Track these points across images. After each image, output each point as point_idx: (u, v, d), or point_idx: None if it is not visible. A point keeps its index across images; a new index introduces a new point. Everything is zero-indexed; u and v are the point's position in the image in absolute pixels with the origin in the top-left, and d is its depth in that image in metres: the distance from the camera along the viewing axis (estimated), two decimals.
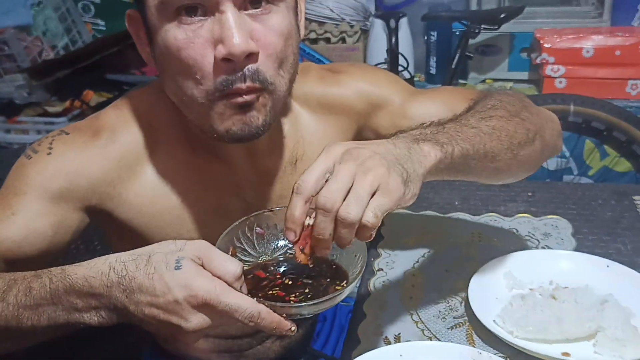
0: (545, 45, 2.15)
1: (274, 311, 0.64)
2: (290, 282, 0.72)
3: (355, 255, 0.71)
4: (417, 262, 1.07)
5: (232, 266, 0.63)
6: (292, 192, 0.64)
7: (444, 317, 0.93)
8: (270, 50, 0.75)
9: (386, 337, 0.89)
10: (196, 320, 0.62)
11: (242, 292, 0.64)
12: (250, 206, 0.90)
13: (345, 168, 0.63)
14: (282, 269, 0.74)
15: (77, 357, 1.03)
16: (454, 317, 0.93)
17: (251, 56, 0.73)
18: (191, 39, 0.73)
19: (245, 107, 0.76)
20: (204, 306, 0.61)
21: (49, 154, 0.82)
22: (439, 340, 0.88)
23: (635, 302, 0.90)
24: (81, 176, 0.82)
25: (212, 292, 0.61)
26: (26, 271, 0.75)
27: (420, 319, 0.93)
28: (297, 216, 0.64)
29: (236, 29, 0.71)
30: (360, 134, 1.00)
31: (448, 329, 0.91)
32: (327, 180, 0.64)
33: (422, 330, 0.90)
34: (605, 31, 2.19)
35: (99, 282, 0.63)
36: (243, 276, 0.65)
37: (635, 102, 2.14)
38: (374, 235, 0.65)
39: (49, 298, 0.66)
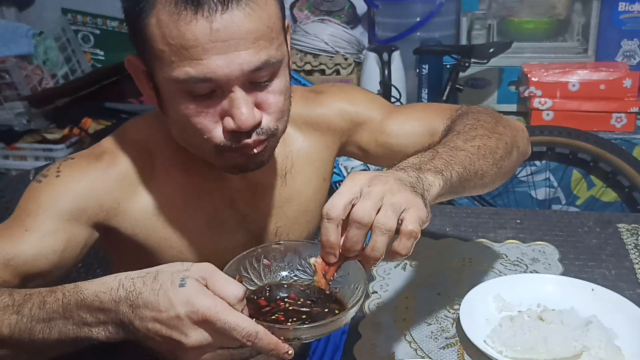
0: (533, 79, 2.21)
1: (272, 333, 0.65)
2: (291, 308, 0.74)
3: (356, 287, 0.74)
4: (410, 285, 1.11)
5: (234, 289, 0.66)
6: (322, 218, 0.68)
7: (436, 338, 0.96)
8: (274, 109, 0.83)
9: (381, 356, 0.92)
10: (196, 336, 0.64)
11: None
12: (244, 218, 0.98)
13: (375, 190, 0.68)
14: (283, 296, 0.77)
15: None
16: (446, 338, 0.97)
17: (258, 124, 0.81)
18: (202, 110, 0.80)
19: (255, 156, 0.84)
20: (204, 323, 0.63)
21: (58, 176, 0.88)
22: (432, 359, 0.91)
23: (618, 323, 0.94)
24: (89, 195, 0.88)
25: (213, 309, 0.63)
26: (38, 284, 0.80)
27: (413, 339, 0.96)
28: (332, 240, 0.68)
29: (245, 107, 0.79)
30: (344, 149, 1.08)
31: (440, 348, 0.94)
32: (353, 205, 0.68)
33: (415, 350, 0.94)
34: (590, 66, 2.25)
35: (108, 297, 0.66)
36: (245, 300, 0.67)
37: (620, 135, 2.19)
38: (412, 250, 0.69)
39: (61, 312, 0.68)
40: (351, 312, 0.71)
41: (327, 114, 1.04)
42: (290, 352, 0.67)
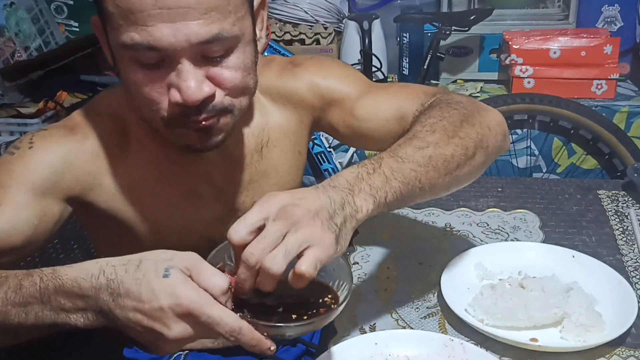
0: (514, 46, 2.20)
1: (256, 329, 0.64)
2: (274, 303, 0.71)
3: (341, 284, 0.73)
4: (391, 255, 1.10)
5: (219, 280, 0.64)
6: (228, 237, 0.65)
7: (417, 307, 0.96)
8: (229, 85, 0.79)
9: (362, 327, 0.92)
10: (178, 329, 0.62)
11: (226, 307, 0.64)
12: (220, 190, 0.97)
13: (276, 226, 0.64)
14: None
15: (65, 346, 1.04)
16: (427, 307, 0.96)
17: (208, 98, 0.78)
18: (150, 78, 0.77)
19: (207, 131, 0.81)
20: (187, 316, 0.62)
21: (31, 147, 0.86)
22: (413, 329, 0.91)
23: (599, 289, 0.94)
24: (64, 168, 0.86)
25: (197, 302, 0.62)
26: (13, 259, 0.79)
27: (394, 309, 0.96)
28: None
29: (192, 80, 0.75)
30: (317, 127, 1.05)
31: (421, 318, 0.94)
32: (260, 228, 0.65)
33: (397, 320, 0.93)
34: (571, 33, 2.24)
35: (88, 283, 0.64)
36: (229, 291, 0.65)
37: (601, 102, 2.19)
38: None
39: (38, 297, 0.67)
40: (337, 311, 0.70)
41: (300, 89, 1.01)
42: (272, 348, 0.66)
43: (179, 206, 0.95)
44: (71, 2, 2.95)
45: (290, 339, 0.76)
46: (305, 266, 0.63)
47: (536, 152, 2.23)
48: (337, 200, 0.69)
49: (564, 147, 2.20)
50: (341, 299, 0.70)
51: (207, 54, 0.76)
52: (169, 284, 0.62)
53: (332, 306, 0.70)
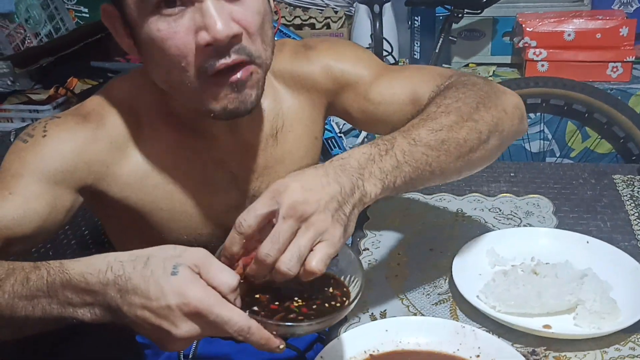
0: (527, 29, 2.18)
1: (265, 327, 0.64)
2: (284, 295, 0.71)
3: (352, 280, 0.73)
4: (402, 241, 1.09)
5: (228, 278, 0.63)
6: (234, 227, 0.66)
7: (428, 294, 0.95)
8: (252, 29, 0.78)
9: (372, 313, 0.91)
10: (186, 328, 0.62)
11: (235, 305, 0.64)
12: (235, 177, 0.96)
13: (287, 226, 0.65)
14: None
15: (75, 335, 1.05)
16: (439, 294, 0.95)
17: (235, 37, 0.76)
18: (174, 28, 0.76)
19: (240, 86, 0.79)
20: (195, 315, 0.62)
21: (44, 136, 0.85)
22: (424, 315, 0.90)
23: (613, 276, 0.93)
24: (77, 158, 0.85)
25: (205, 302, 0.61)
26: (23, 247, 0.79)
27: (405, 296, 0.95)
28: (234, 252, 0.67)
29: (218, 15, 0.74)
30: (331, 111, 1.04)
31: (433, 304, 0.93)
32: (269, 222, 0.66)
33: (407, 306, 0.93)
34: (586, 15, 2.21)
35: (95, 279, 0.64)
36: (239, 289, 0.65)
37: (616, 85, 2.17)
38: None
39: (45, 290, 0.66)
40: (348, 310, 0.69)
41: (314, 72, 1.00)
42: (282, 346, 0.65)
43: (193, 195, 0.94)
44: None
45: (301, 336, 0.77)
46: (315, 262, 0.65)
47: (549, 137, 2.22)
48: (347, 186, 0.69)
49: (577, 131, 2.18)
50: (353, 295, 0.70)
51: None
52: (177, 282, 0.61)
53: (344, 301, 0.70)
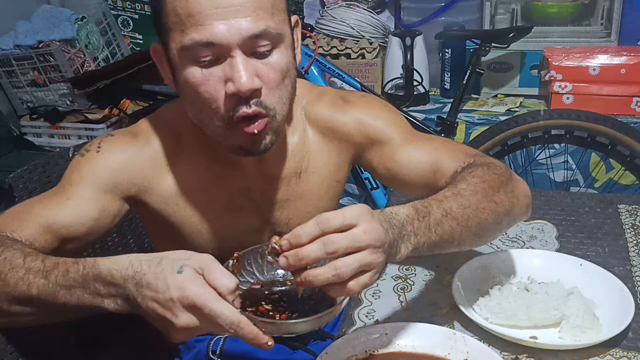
0: (554, 63, 2.24)
1: (255, 324, 0.72)
2: (281, 301, 0.81)
3: None
4: (412, 258, 1.17)
5: (227, 280, 0.72)
6: (317, 221, 0.72)
7: (430, 305, 1.05)
8: (272, 85, 0.89)
9: (377, 320, 1.02)
10: (184, 318, 0.71)
11: (234, 305, 0.72)
12: (258, 205, 1.07)
13: (366, 239, 0.71)
14: (276, 289, 0.85)
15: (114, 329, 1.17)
16: (439, 307, 1.05)
17: (256, 91, 0.88)
18: (207, 77, 0.88)
19: (257, 135, 0.91)
20: (192, 308, 0.70)
21: (98, 151, 1.00)
22: (424, 324, 1.00)
23: (600, 295, 1.01)
24: (124, 171, 1.00)
25: (202, 297, 0.70)
26: (76, 246, 0.93)
27: (409, 306, 1.05)
28: (303, 238, 0.72)
29: (244, 70, 0.85)
30: (356, 161, 1.13)
31: (433, 315, 1.03)
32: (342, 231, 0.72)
33: (410, 315, 1.03)
34: (611, 50, 2.27)
35: (119, 274, 0.74)
36: (237, 291, 0.73)
37: None
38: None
39: (81, 282, 0.77)
40: (337, 310, 0.76)
41: (347, 124, 1.08)
42: (270, 343, 0.73)
43: (220, 215, 1.06)
44: (136, 17, 3.12)
45: (301, 335, 0.86)
46: (356, 286, 0.72)
47: (573, 167, 2.26)
48: (391, 240, 0.75)
49: (601, 162, 2.23)
50: (341, 300, 0.78)
51: (255, 48, 0.87)
52: (181, 279, 0.71)
53: (335, 301, 0.78)
